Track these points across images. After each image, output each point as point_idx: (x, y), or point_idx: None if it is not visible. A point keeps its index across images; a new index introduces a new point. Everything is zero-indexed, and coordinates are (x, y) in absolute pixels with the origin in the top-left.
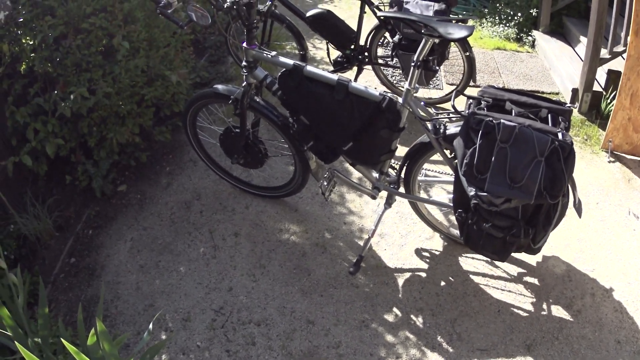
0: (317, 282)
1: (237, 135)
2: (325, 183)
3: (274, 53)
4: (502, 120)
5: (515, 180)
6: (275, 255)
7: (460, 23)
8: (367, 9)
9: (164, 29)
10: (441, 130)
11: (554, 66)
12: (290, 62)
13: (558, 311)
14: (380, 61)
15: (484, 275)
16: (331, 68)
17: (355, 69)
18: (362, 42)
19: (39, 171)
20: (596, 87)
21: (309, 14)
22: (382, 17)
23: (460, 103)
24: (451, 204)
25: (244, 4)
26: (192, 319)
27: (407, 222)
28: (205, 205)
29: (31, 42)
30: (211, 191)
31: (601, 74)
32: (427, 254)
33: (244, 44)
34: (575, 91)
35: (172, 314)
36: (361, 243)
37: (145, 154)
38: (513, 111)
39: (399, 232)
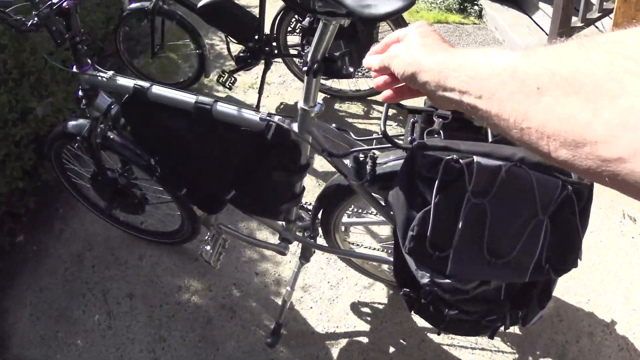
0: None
1: (103, 180)
2: (207, 247)
3: (110, 73)
4: (476, 158)
5: (499, 253)
6: (176, 323)
7: None
8: None
9: (35, 50)
10: (368, 170)
11: (509, 38)
12: (131, 83)
13: None
14: (291, 51)
15: None
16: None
17: (262, 63)
18: (267, 30)
19: None
20: None
21: (200, 4)
22: None
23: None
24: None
25: (55, 13)
26: None
27: (338, 267)
28: (97, 257)
29: None
30: (102, 239)
31: None
32: (367, 310)
33: (74, 68)
34: None
35: None
36: (279, 301)
37: (33, 198)
38: (490, 131)
39: (328, 281)
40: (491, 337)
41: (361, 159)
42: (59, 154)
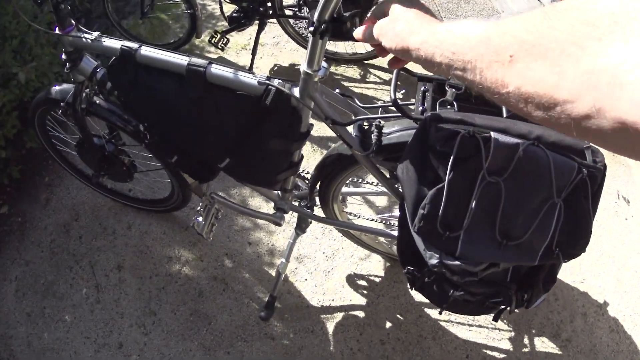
0: (221, 334)
1: (89, 147)
2: (199, 219)
3: (95, 34)
4: (493, 134)
5: (511, 235)
6: (167, 296)
7: None
8: None
9: (17, 13)
10: (373, 140)
11: (508, 8)
12: (118, 44)
13: (543, 344)
14: (287, 12)
15: None
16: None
17: (256, 24)
18: None
19: None
20: None
21: None
22: None
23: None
24: (394, 233)
25: None
26: None
27: (333, 236)
28: (84, 227)
29: None
30: (90, 207)
31: None
32: (363, 283)
33: (56, 30)
34: None
35: None
36: (273, 272)
37: (17, 168)
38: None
39: (323, 252)
40: (495, 320)
41: (366, 127)
42: (43, 121)
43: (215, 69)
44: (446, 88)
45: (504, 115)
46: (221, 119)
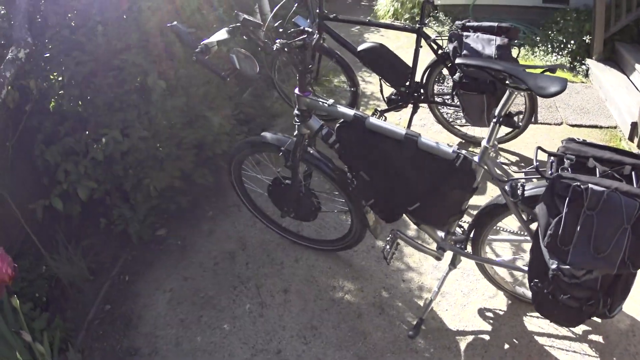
0: (374, 347)
1: (287, 188)
2: (387, 247)
3: (331, 101)
4: (590, 185)
5: (600, 250)
6: (329, 315)
7: (548, 73)
8: (423, 42)
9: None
10: (519, 192)
11: (610, 97)
12: (351, 112)
13: None
14: (437, 99)
15: (548, 335)
16: (384, 105)
17: (410, 106)
18: (417, 78)
19: (72, 212)
20: None
21: (360, 48)
22: (460, 63)
23: (518, 145)
24: (523, 268)
25: (297, 47)
26: None
27: (470, 279)
28: (251, 256)
29: (60, 79)
30: (257, 241)
31: None
32: (490, 314)
33: (296, 90)
34: (634, 125)
35: None
36: (421, 303)
37: (186, 198)
38: (597, 170)
39: (461, 291)
40: (589, 318)
41: (514, 185)
42: (243, 160)
43: (424, 139)
44: (565, 160)
45: (597, 174)
46: (422, 174)
